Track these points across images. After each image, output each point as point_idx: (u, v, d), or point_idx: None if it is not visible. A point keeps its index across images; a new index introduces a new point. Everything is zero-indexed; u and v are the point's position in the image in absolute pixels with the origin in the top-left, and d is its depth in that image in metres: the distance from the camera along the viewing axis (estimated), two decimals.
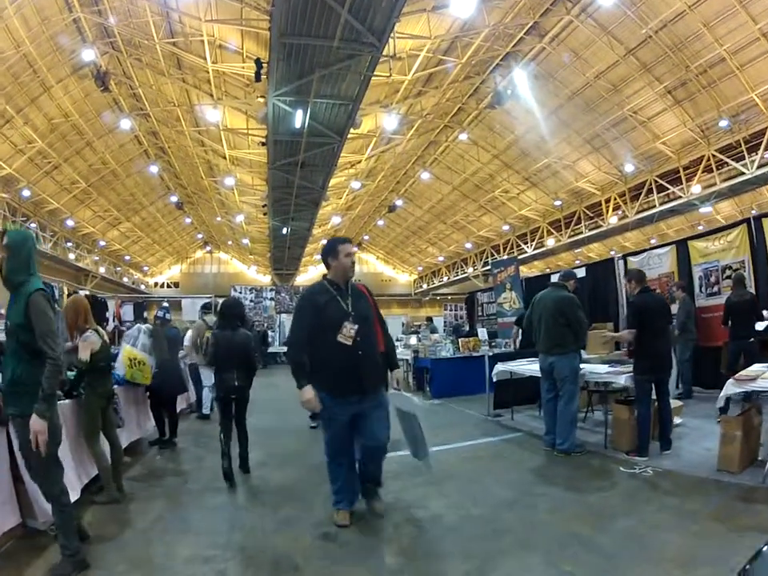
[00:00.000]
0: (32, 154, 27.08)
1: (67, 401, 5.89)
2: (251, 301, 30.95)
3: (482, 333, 16.69)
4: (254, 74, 17.64)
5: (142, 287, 50.77)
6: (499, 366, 9.93)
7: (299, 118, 18.08)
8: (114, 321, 19.25)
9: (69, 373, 6.30)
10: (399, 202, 38.98)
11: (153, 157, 32.41)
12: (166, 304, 12.02)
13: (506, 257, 34.12)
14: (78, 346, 5.96)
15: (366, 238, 53.72)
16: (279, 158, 22.10)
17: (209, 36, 19.22)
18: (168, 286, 55.03)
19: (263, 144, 22.59)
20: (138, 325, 9.10)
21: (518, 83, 21.72)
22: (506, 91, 22.21)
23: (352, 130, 20.41)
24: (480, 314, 20.29)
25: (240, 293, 31.20)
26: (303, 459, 7.81)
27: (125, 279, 47.17)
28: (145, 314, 21.49)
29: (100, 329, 6.35)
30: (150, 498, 6.22)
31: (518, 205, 34.35)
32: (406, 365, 16.24)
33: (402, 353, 16.33)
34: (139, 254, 49.82)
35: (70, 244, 37.94)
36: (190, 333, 11.96)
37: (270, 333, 29.62)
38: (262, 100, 19.68)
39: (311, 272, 53.65)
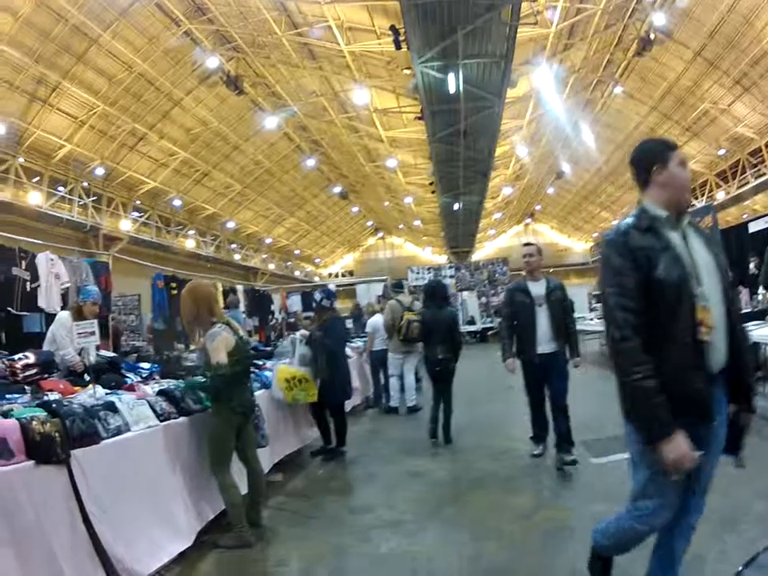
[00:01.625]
0: (176, 165, 28.29)
1: (181, 418, 4.55)
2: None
3: None
4: (393, 45, 16.90)
5: (316, 279, 51.03)
6: None
7: (452, 83, 17.00)
8: (280, 313, 18.75)
9: (195, 379, 5.10)
10: (566, 167, 36.71)
11: (307, 151, 32.43)
12: (331, 286, 10.57)
13: None
14: (205, 347, 4.52)
15: (538, 207, 51.84)
16: (439, 129, 21.05)
17: (335, 20, 18.69)
18: (342, 275, 55.20)
19: (419, 118, 21.68)
20: (291, 335, 7.74)
21: (658, 25, 20.41)
22: (648, 36, 20.97)
23: (509, 92, 19.13)
24: None
25: (417, 273, 30.62)
26: (507, 479, 5.93)
27: (296, 273, 48.34)
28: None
29: (233, 322, 4.87)
30: (295, 536, 4.65)
31: None
32: None
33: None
34: (309, 246, 50.99)
35: (234, 246, 39.64)
36: (377, 317, 10.64)
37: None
38: (408, 72, 18.87)
39: (487, 248, 52.37)
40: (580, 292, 28.11)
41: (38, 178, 23.33)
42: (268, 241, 43.57)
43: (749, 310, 8.96)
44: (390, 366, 10.07)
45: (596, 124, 30.49)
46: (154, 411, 4.31)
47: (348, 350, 10.78)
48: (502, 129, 23.09)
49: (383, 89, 23.29)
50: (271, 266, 43.94)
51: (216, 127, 26.84)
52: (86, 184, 25.32)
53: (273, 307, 18.79)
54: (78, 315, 6.06)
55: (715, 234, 13.12)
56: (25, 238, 9.29)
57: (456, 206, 31.58)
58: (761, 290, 9.65)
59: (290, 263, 48.88)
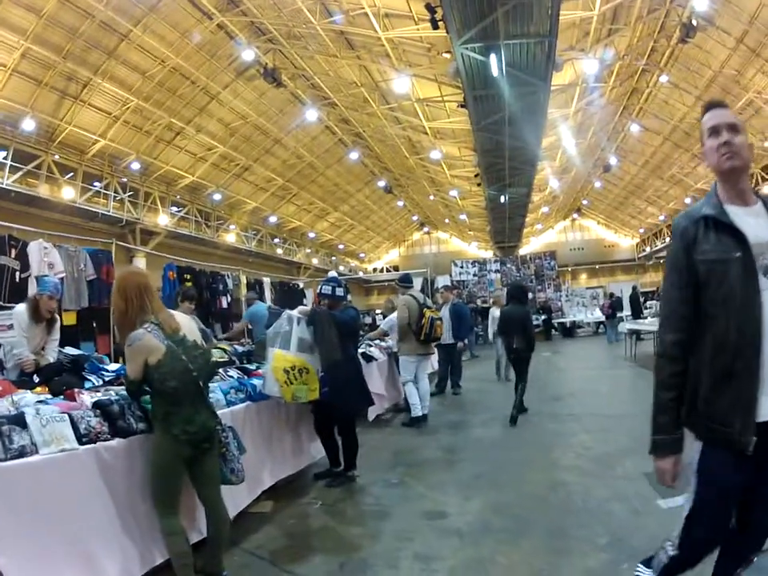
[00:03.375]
0: (215, 159, 28.08)
1: (115, 440, 3.54)
2: (474, 275, 30.17)
3: None
4: (431, 30, 16.47)
5: (360, 274, 51.15)
6: None
7: (494, 64, 15.94)
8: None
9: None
10: (613, 160, 35.56)
11: (350, 144, 31.93)
12: (332, 273, 9.66)
13: None
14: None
15: (586, 202, 50.71)
16: (482, 117, 19.97)
17: (370, 6, 18.06)
18: (387, 270, 54.20)
19: (462, 106, 20.63)
20: (287, 311, 5.93)
21: (700, 11, 19.70)
22: (690, 22, 20.24)
23: (554, 80, 18.09)
24: None
25: (461, 267, 30.74)
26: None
27: (341, 268, 47.79)
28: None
29: (176, 317, 3.69)
30: None
31: None
32: None
33: None
34: (353, 241, 50.79)
35: (276, 240, 39.31)
36: (394, 314, 9.56)
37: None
38: (448, 56, 17.97)
39: (534, 243, 51.47)
40: (626, 288, 28.32)
41: (71, 174, 23.20)
42: (311, 235, 43.47)
43: None
44: (403, 371, 8.96)
45: (643, 115, 29.59)
46: (76, 430, 3.35)
47: (376, 351, 9.84)
48: (549, 118, 22.05)
49: (424, 77, 22.38)
50: (315, 261, 43.68)
51: (255, 121, 26.53)
52: (124, 180, 25.29)
53: (305, 302, 18.13)
54: (34, 310, 5.32)
55: None
56: (45, 231, 9.01)
57: (502, 199, 30.40)
58: None
59: (334, 258, 48.58)
